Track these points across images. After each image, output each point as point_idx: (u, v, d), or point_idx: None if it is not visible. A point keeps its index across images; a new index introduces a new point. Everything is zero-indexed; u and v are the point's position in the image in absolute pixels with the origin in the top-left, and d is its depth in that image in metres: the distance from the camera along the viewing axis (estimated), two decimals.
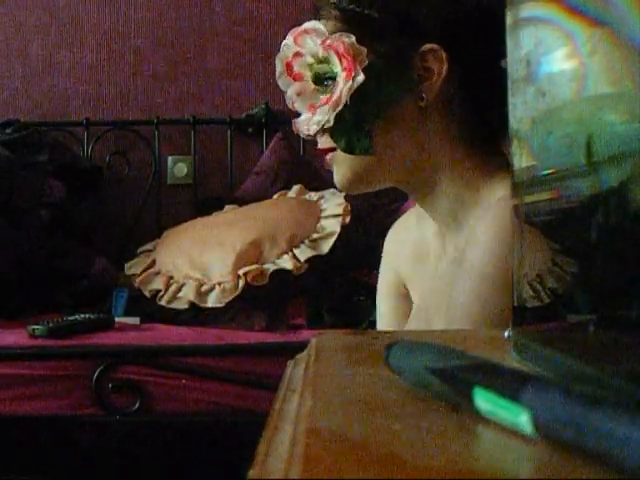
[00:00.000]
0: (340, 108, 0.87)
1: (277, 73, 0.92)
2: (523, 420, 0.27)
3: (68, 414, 1.50)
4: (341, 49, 0.86)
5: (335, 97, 0.87)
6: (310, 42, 0.89)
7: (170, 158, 2.59)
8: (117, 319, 1.82)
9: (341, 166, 0.92)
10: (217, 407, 1.53)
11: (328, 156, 0.93)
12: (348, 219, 1.98)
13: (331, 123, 0.88)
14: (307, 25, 0.90)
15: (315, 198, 2.14)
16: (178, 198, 2.57)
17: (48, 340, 1.58)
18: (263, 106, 2.50)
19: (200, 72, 2.58)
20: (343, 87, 0.86)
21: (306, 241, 1.95)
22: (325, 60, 0.88)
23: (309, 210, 2.07)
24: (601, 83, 0.34)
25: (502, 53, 0.90)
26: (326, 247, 1.93)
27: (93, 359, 1.52)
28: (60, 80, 2.58)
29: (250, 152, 2.56)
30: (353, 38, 0.87)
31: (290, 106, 0.93)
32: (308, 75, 0.90)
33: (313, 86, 0.90)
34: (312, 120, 0.90)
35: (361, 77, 0.86)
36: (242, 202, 2.28)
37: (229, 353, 1.57)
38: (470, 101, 0.91)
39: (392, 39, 0.88)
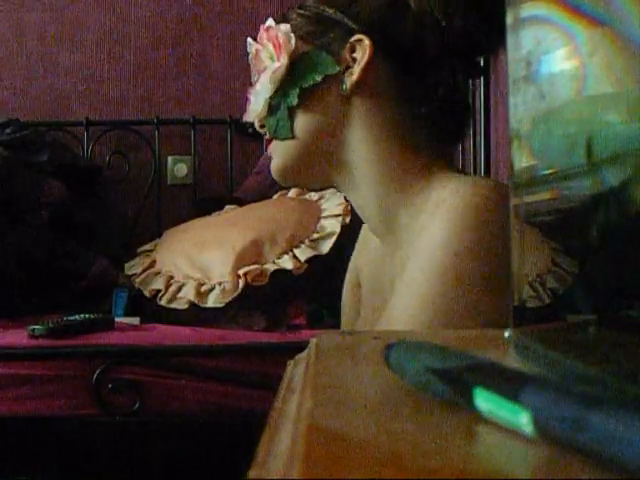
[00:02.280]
0: (264, 94, 0.92)
1: (252, 71, 0.99)
2: (523, 420, 0.27)
3: (68, 414, 1.50)
4: (274, 37, 0.92)
5: (262, 79, 0.93)
6: (265, 38, 0.95)
7: (170, 158, 2.59)
8: (117, 319, 1.82)
9: (275, 155, 0.96)
10: (217, 407, 1.53)
11: (267, 150, 0.97)
12: (348, 219, 1.98)
13: (259, 108, 0.93)
14: (266, 24, 0.95)
15: (315, 198, 2.14)
16: (178, 198, 2.57)
17: (48, 340, 1.58)
18: None
19: (200, 72, 2.58)
20: (268, 72, 0.92)
21: (306, 241, 1.95)
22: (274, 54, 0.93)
23: (309, 210, 2.07)
24: (601, 83, 0.34)
25: (439, 54, 0.92)
26: (326, 247, 1.93)
27: (93, 359, 1.52)
28: (60, 80, 2.58)
29: (250, 152, 2.56)
30: (288, 27, 0.91)
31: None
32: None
33: None
34: (248, 109, 0.96)
35: (277, 64, 0.90)
36: (242, 202, 2.28)
37: (229, 353, 1.57)
38: (403, 101, 0.90)
39: (328, 32, 0.91)
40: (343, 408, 0.33)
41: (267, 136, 0.97)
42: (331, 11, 0.91)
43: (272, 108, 0.93)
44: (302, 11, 0.93)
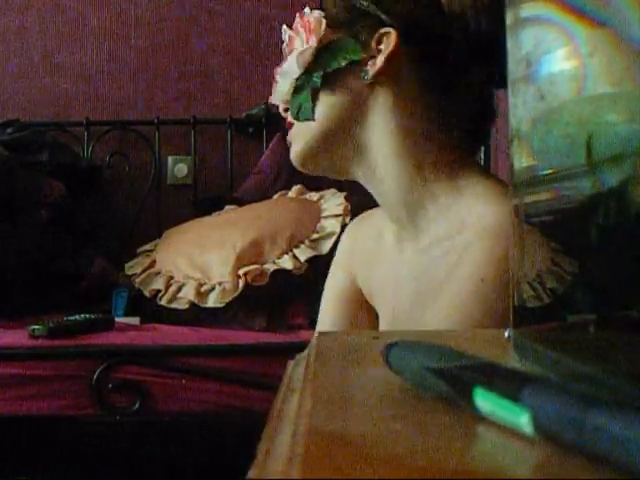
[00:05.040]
0: (291, 75, 0.93)
1: (284, 42, 0.97)
2: (523, 420, 0.27)
3: (68, 414, 1.50)
4: (305, 23, 0.93)
5: (285, 64, 0.94)
6: (299, 25, 0.95)
7: (170, 158, 2.59)
8: (117, 319, 1.82)
9: (295, 140, 0.96)
10: (217, 407, 1.53)
11: (288, 135, 0.98)
12: (348, 219, 1.97)
13: (285, 89, 0.94)
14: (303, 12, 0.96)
15: (315, 198, 2.14)
16: (178, 198, 2.57)
17: (48, 340, 1.58)
18: (263, 106, 2.50)
19: (200, 72, 2.58)
20: (296, 53, 0.93)
21: (306, 241, 1.95)
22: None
23: (309, 210, 2.07)
24: (601, 83, 0.34)
25: (466, 58, 0.92)
26: (326, 247, 1.93)
27: (93, 359, 1.52)
28: (60, 80, 2.58)
29: (250, 152, 2.56)
30: (320, 13, 0.93)
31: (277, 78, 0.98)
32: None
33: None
34: (275, 90, 0.96)
35: (306, 46, 0.92)
36: (242, 202, 2.28)
37: (229, 353, 1.57)
38: (428, 98, 0.93)
39: (359, 21, 0.92)
40: (343, 408, 0.33)
41: (289, 118, 0.97)
42: (365, 2, 0.92)
43: (297, 89, 0.94)
44: (337, 0, 0.95)
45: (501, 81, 0.99)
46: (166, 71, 2.59)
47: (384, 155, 0.93)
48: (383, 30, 0.91)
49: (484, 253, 0.83)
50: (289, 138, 0.98)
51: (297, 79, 0.93)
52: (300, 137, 0.95)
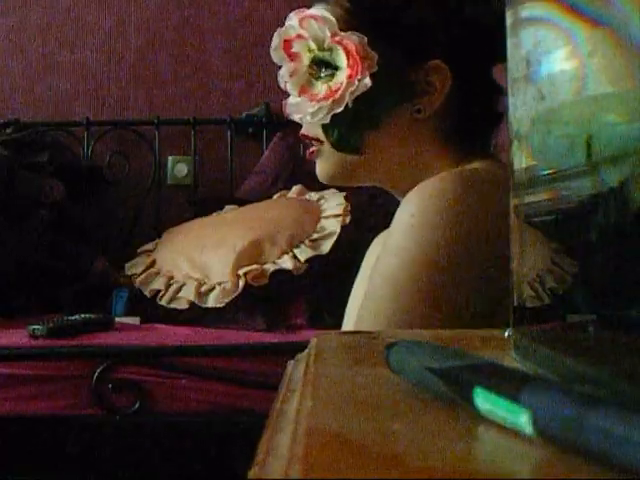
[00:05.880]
0: (340, 109, 0.86)
1: (273, 45, 0.90)
2: (523, 420, 0.27)
3: (68, 414, 1.50)
4: (351, 47, 0.85)
5: (337, 96, 0.86)
6: (317, 29, 0.87)
7: (170, 158, 2.59)
8: (117, 319, 1.83)
9: (326, 161, 0.91)
10: (217, 407, 1.53)
11: (312, 148, 0.92)
12: (348, 219, 1.98)
13: (327, 120, 0.87)
14: (316, 12, 0.88)
15: (315, 198, 2.14)
16: (178, 198, 2.57)
17: (48, 340, 1.58)
18: (263, 106, 2.50)
19: (200, 72, 2.58)
20: (347, 88, 0.85)
21: (306, 241, 1.95)
22: (329, 50, 0.87)
23: (309, 210, 2.07)
24: (601, 83, 0.34)
25: (491, 66, 0.89)
26: (326, 247, 1.93)
27: (93, 359, 1.52)
28: (60, 80, 2.58)
29: (250, 152, 2.56)
30: (365, 40, 0.85)
31: (282, 85, 0.91)
32: (305, 57, 0.89)
33: (307, 69, 0.89)
34: (308, 110, 0.88)
35: (368, 82, 0.85)
36: (242, 202, 2.28)
37: (229, 353, 1.57)
38: (463, 115, 0.90)
39: (399, 48, 0.87)
40: (343, 408, 0.33)
41: (306, 132, 0.92)
42: (398, 23, 0.87)
43: (337, 118, 0.87)
44: (371, 14, 0.87)
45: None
46: (166, 71, 2.59)
47: (422, 178, 0.89)
48: (435, 63, 0.86)
49: (411, 198, 0.81)
50: (314, 153, 0.92)
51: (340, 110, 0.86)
52: (334, 160, 0.90)
